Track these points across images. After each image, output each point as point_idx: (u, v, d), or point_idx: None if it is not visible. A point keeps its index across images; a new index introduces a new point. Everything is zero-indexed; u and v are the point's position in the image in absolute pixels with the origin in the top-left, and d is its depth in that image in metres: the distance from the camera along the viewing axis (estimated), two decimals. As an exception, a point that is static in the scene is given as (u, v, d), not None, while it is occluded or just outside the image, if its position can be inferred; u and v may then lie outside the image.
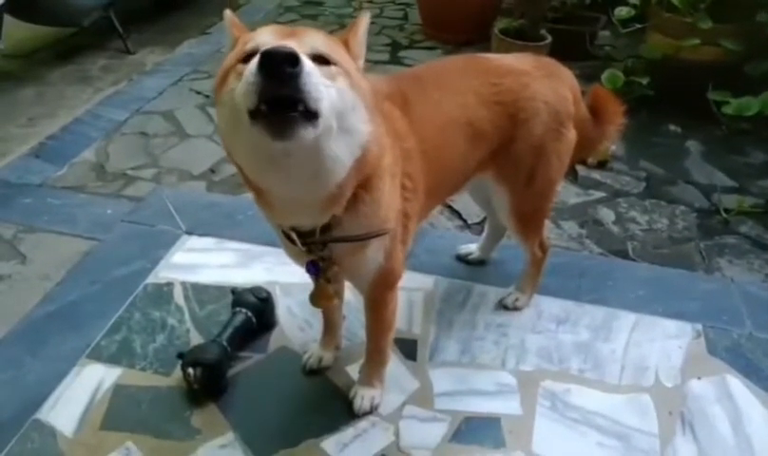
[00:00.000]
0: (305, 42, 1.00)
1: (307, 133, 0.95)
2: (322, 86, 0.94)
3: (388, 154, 1.24)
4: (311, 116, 0.94)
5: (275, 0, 5.21)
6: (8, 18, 3.51)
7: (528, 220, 1.76)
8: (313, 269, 1.32)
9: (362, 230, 1.25)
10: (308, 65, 0.91)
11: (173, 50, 4.23)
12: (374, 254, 1.32)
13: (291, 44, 0.95)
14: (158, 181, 2.69)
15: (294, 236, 1.24)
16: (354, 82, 1.04)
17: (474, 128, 1.50)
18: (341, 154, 1.05)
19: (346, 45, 1.13)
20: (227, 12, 1.19)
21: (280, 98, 0.91)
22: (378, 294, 1.46)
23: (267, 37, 1.02)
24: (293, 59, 0.88)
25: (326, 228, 1.21)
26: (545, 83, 1.58)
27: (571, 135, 1.63)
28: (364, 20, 1.17)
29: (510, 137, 1.56)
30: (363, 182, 1.19)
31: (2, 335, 1.82)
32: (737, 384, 1.71)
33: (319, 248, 1.26)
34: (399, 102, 1.37)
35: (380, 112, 1.27)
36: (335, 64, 1.02)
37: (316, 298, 1.38)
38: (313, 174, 1.05)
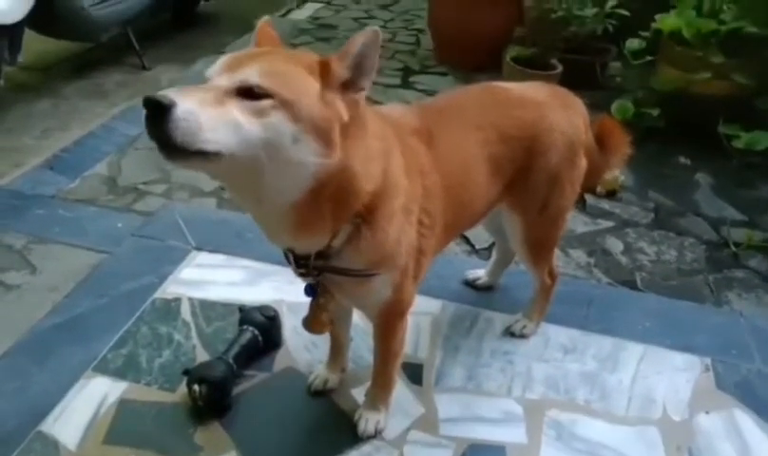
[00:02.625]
0: (236, 76, 1.00)
1: (195, 163, 0.98)
2: (202, 128, 0.93)
3: (401, 194, 1.25)
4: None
5: (290, 23, 5.28)
6: (27, 31, 3.56)
7: (540, 248, 1.77)
8: (310, 292, 1.34)
9: (360, 265, 1.25)
10: (181, 111, 0.91)
11: (188, 67, 4.27)
12: (380, 287, 1.32)
13: (223, 78, 1.00)
14: (169, 197, 2.70)
15: (290, 257, 1.26)
16: (296, 114, 1.00)
17: (494, 163, 1.50)
18: (279, 184, 1.05)
19: (325, 66, 1.07)
20: (262, 20, 1.20)
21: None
22: (387, 321, 1.46)
23: (215, 68, 1.05)
24: (161, 108, 0.91)
25: (324, 256, 1.22)
26: (561, 113, 1.59)
27: (583, 163, 1.66)
28: (364, 36, 1.04)
29: (527, 167, 1.57)
30: (366, 218, 1.19)
31: (9, 346, 1.83)
32: (745, 419, 1.69)
33: (313, 274, 1.27)
34: (425, 137, 1.38)
35: (406, 147, 1.29)
36: (269, 96, 0.99)
37: (308, 323, 1.39)
38: (253, 198, 1.10)
